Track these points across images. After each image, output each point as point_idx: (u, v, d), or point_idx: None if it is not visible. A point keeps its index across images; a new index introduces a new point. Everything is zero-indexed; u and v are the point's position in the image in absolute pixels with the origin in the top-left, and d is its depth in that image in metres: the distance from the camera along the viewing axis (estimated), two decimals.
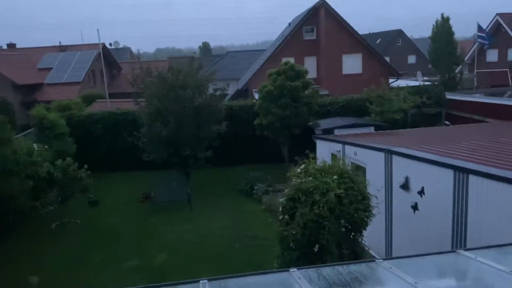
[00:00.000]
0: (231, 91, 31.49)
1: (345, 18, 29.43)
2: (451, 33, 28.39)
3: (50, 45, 37.58)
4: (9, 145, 13.70)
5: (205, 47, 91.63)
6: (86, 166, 14.92)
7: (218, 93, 18.73)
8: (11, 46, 40.22)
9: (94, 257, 12.77)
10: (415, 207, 9.59)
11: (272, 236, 12.73)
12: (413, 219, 9.74)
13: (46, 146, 16.48)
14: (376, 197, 8.28)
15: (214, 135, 17.84)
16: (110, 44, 48.21)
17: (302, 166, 8.30)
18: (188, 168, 18.18)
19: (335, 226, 7.63)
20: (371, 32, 64.30)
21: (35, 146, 15.65)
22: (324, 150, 14.69)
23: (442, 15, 28.48)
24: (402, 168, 10.10)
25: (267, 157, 20.75)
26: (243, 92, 31.00)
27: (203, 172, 19.27)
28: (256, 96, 25.01)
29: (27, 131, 19.26)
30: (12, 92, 29.55)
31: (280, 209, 8.29)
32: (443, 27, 28.15)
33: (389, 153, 10.58)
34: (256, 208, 16.24)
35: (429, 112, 21.24)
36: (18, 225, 14.68)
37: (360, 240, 8.39)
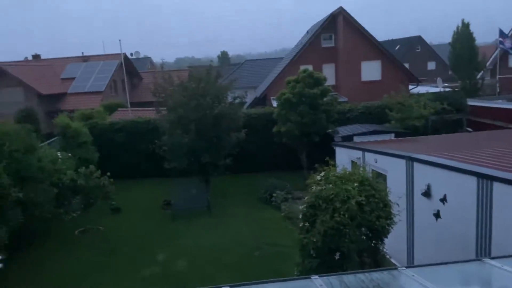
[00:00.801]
0: (249, 99, 31.73)
1: (363, 24, 29.38)
2: (472, 39, 28.02)
3: (73, 55, 38.51)
4: (34, 153, 14.08)
5: (223, 56, 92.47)
6: (108, 173, 15.18)
7: (237, 101, 18.88)
8: (36, 57, 41.39)
9: (115, 264, 12.94)
10: (437, 215, 9.46)
11: (291, 243, 12.74)
12: (435, 227, 9.60)
13: (69, 154, 16.83)
14: (397, 204, 8.23)
15: (233, 142, 17.98)
16: (131, 54, 49.16)
17: (322, 173, 8.31)
18: (208, 176, 18.34)
19: (356, 233, 7.60)
20: (390, 38, 63.86)
21: (59, 154, 16.02)
22: (343, 157, 14.63)
23: (462, 20, 28.15)
24: (423, 175, 9.98)
25: (286, 165, 20.76)
26: (261, 100, 31.13)
27: (222, 179, 19.38)
28: (274, 103, 25.10)
29: (51, 140, 19.72)
30: (37, 102, 30.38)
31: (300, 217, 8.31)
32: (463, 33, 27.82)
33: (410, 160, 10.48)
34: (275, 215, 16.24)
35: (450, 118, 20.96)
36: (42, 232, 14.99)
37: (381, 248, 8.32)
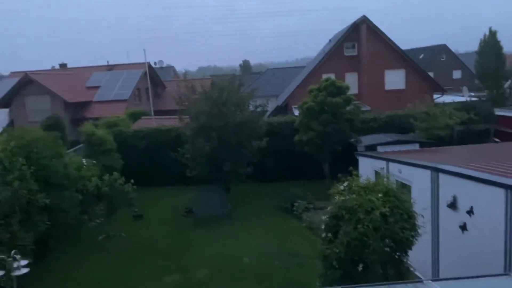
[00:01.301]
0: (270, 107, 31.73)
1: (386, 33, 29.15)
2: (499, 47, 27.43)
3: (98, 64, 39.40)
4: (60, 160, 14.40)
5: (245, 64, 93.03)
6: (132, 180, 15.38)
7: (258, 109, 18.94)
8: (63, 66, 42.51)
9: (138, 270, 13.05)
10: (463, 227, 9.22)
11: (312, 254, 12.61)
12: (461, 239, 9.36)
13: (94, 161, 17.16)
14: (422, 216, 8.06)
15: (255, 151, 18.00)
16: (155, 63, 49.91)
17: (346, 183, 8.22)
18: (229, 184, 18.39)
19: (379, 245, 7.47)
20: (414, 47, 63.07)
21: (84, 161, 16.36)
22: (367, 167, 14.45)
23: (489, 29, 27.61)
24: (449, 186, 9.77)
25: (308, 174, 20.62)
26: (283, 109, 31.13)
27: (243, 187, 19.39)
28: (296, 112, 25.06)
29: (77, 147, 20.14)
30: (63, 110, 31.10)
31: (322, 227, 8.22)
32: (490, 41, 27.26)
33: (436, 171, 10.28)
34: (296, 225, 16.12)
35: (477, 128, 20.49)
36: (67, 237, 15.24)
37: (405, 260, 8.15)
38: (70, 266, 13.51)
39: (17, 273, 9.11)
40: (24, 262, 9.27)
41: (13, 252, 9.18)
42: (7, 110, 32.87)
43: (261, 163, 18.72)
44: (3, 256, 9.23)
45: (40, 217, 12.59)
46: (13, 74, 37.59)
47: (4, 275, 9.14)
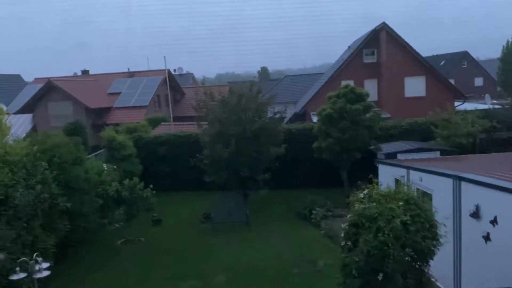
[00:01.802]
0: (288, 114, 31.70)
1: (406, 40, 28.92)
2: None
3: (119, 71, 40.05)
4: (82, 164, 14.65)
5: (263, 71, 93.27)
6: (151, 186, 15.52)
7: (277, 116, 18.93)
8: (85, 72, 43.34)
9: (156, 275, 13.13)
10: (487, 238, 9.01)
11: (331, 262, 12.49)
12: (484, 250, 9.14)
13: (114, 166, 17.40)
14: (444, 225, 7.91)
15: (273, 157, 17.97)
16: (174, 70, 50.48)
17: (365, 191, 8.13)
18: (247, 190, 18.38)
19: (400, 254, 7.35)
20: (435, 54, 62.34)
21: (104, 166, 16.60)
22: (387, 175, 14.27)
23: None
24: (472, 195, 9.57)
25: (326, 181, 20.48)
26: (301, 115, 31.08)
27: (261, 194, 19.34)
28: (314, 119, 24.96)
29: (98, 152, 20.46)
30: (85, 115, 31.68)
31: (342, 235, 8.13)
32: None
33: (458, 179, 10.08)
34: (315, 233, 16.00)
35: (500, 137, 20.06)
36: (87, 241, 15.44)
37: (426, 270, 8.00)
38: (90, 269, 13.67)
39: (39, 275, 9.26)
40: (45, 265, 9.43)
41: (35, 254, 9.35)
42: (30, 115, 33.62)
43: (279, 170, 18.68)
44: (25, 259, 9.41)
45: (61, 221, 12.81)
46: (37, 80, 38.52)
47: (26, 277, 9.32)
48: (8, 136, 16.96)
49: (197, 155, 18.39)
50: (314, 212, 17.03)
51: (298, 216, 17.75)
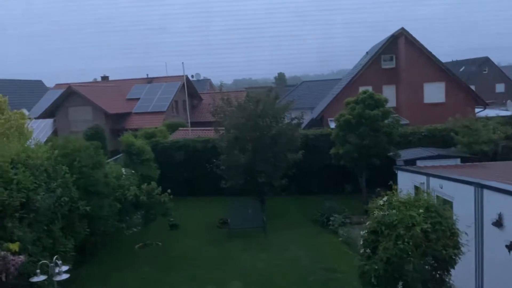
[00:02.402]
0: (305, 120, 31.62)
1: (426, 45, 28.58)
2: None
3: (138, 77, 40.60)
4: (101, 169, 14.83)
5: (280, 77, 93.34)
6: (169, 190, 15.62)
7: (294, 122, 18.89)
8: (105, 78, 44.07)
9: (173, 279, 13.16)
10: (510, 247, 8.79)
11: (348, 269, 12.35)
12: (508, 259, 8.91)
13: (132, 171, 17.57)
14: (466, 233, 7.75)
15: (290, 163, 17.92)
16: (192, 76, 50.86)
17: (385, 198, 8.03)
18: (264, 196, 18.35)
19: (420, 263, 7.23)
20: (454, 59, 61.48)
21: (123, 171, 16.77)
22: (406, 182, 14.07)
23: None
24: (494, 203, 9.35)
25: (343, 188, 20.32)
26: (318, 121, 30.93)
27: (278, 200, 19.31)
28: (332, 125, 24.81)
29: (117, 156, 20.71)
30: (104, 120, 32.17)
31: (361, 242, 8.05)
32: None
33: (480, 187, 9.88)
34: (332, 240, 15.85)
35: None
36: (105, 245, 15.60)
37: (447, 279, 7.85)
38: (108, 273, 13.78)
39: (59, 278, 9.39)
40: (65, 268, 9.56)
41: (55, 257, 9.49)
42: (51, 120, 34.30)
43: (296, 176, 18.60)
44: (46, 261, 9.55)
45: (80, 224, 12.97)
46: (57, 86, 39.29)
47: (46, 279, 9.45)
48: (30, 140, 17.32)
49: (214, 160, 18.47)
50: (331, 218, 16.88)
51: (315, 223, 17.62)
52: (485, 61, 58.19)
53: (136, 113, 34.70)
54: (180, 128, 28.85)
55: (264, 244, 15.76)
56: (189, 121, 31.12)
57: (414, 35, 28.47)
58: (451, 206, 11.00)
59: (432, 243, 7.18)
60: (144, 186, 15.58)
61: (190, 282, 12.98)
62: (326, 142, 20.15)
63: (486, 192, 9.72)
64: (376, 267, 7.32)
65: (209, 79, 60.26)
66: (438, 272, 7.68)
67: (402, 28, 28.68)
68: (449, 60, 55.70)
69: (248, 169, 17.44)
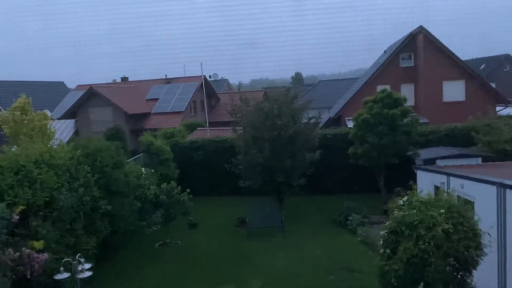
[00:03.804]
0: (323, 119, 31.52)
1: (445, 43, 28.20)
2: None
3: (157, 78, 41.07)
4: (122, 168, 15.09)
5: (297, 76, 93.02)
6: (188, 190, 15.78)
7: (312, 121, 18.85)
8: (124, 79, 44.67)
9: (193, 278, 13.31)
10: None
11: (368, 269, 12.29)
12: None
13: (152, 170, 17.81)
14: (488, 234, 7.65)
15: (308, 163, 17.89)
16: (210, 76, 51.15)
17: (405, 198, 7.98)
18: (282, 195, 18.37)
19: (442, 263, 7.17)
20: (474, 57, 60.31)
21: (143, 170, 17.02)
22: (426, 182, 13.92)
23: None
24: None
25: (362, 187, 20.19)
26: (336, 121, 30.78)
27: (296, 199, 19.29)
28: (350, 124, 24.66)
29: (136, 156, 21.01)
30: (124, 121, 32.64)
31: (380, 242, 8.01)
32: None
33: (502, 186, 9.71)
34: (351, 239, 15.78)
35: None
36: (126, 243, 15.84)
37: (469, 280, 7.76)
38: (129, 271, 14.02)
39: (81, 276, 9.60)
40: (87, 265, 9.77)
41: (78, 255, 9.71)
42: (73, 120, 34.97)
43: (314, 175, 18.56)
44: (69, 259, 9.78)
45: (102, 223, 13.23)
46: (79, 87, 40.02)
47: (69, 277, 9.68)
48: (53, 141, 17.70)
49: (232, 160, 18.57)
50: (350, 218, 16.79)
51: (333, 222, 17.56)
52: (506, 58, 56.90)
53: (155, 114, 35.13)
54: (198, 128, 29.08)
55: (282, 243, 15.79)
56: (207, 121, 31.34)
57: (433, 33, 28.14)
58: (473, 207, 10.85)
59: (454, 244, 7.12)
60: (164, 185, 15.77)
61: (210, 280, 13.09)
62: (344, 142, 20.04)
63: (508, 192, 9.56)
64: (396, 268, 7.28)
65: (227, 79, 60.49)
66: (460, 273, 7.60)
67: (421, 26, 28.34)
68: (469, 58, 54.69)
69: (266, 168, 17.47)
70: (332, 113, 33.54)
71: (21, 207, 10.00)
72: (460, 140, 19.47)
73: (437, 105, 27.29)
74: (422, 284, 7.17)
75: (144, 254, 15.48)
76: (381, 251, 7.83)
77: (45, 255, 9.95)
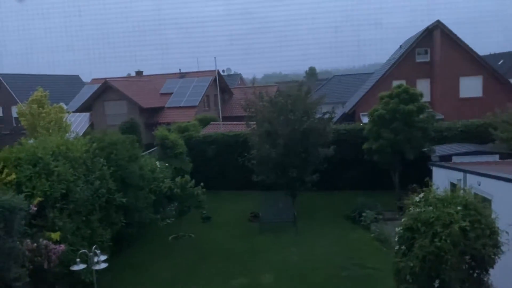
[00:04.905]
0: (336, 114, 31.33)
1: (463, 38, 27.72)
2: None
3: (171, 72, 41.26)
4: (136, 161, 15.21)
5: (311, 71, 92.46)
6: (202, 184, 15.86)
7: (326, 116, 18.73)
8: (139, 73, 44.96)
9: (206, 271, 13.40)
10: None
11: (381, 266, 12.24)
12: None
13: (166, 164, 17.92)
14: (506, 232, 7.53)
15: (321, 158, 17.80)
16: (223, 71, 51.19)
17: (421, 195, 7.90)
18: (294, 191, 18.33)
19: (458, 261, 7.09)
20: (492, 53, 59.23)
21: (157, 164, 17.14)
22: (442, 178, 13.75)
23: None
24: None
25: (375, 183, 20.03)
26: (350, 116, 30.55)
27: (308, 195, 19.24)
28: (364, 119, 24.46)
29: (151, 150, 21.16)
30: (139, 114, 32.90)
31: (395, 239, 7.95)
32: None
33: None
34: (364, 236, 15.70)
35: None
36: (140, 236, 16.01)
37: (486, 279, 7.67)
38: (142, 263, 14.17)
39: (97, 267, 9.74)
40: (103, 257, 9.90)
41: (94, 247, 9.84)
42: (88, 114, 35.37)
43: (327, 171, 18.48)
44: (85, 250, 9.92)
45: (117, 216, 13.38)
46: (94, 80, 40.45)
47: (85, 268, 9.82)
48: (69, 134, 17.93)
49: (246, 154, 18.58)
50: (363, 214, 16.70)
51: (346, 218, 17.49)
52: None
53: (169, 108, 35.33)
54: (212, 123, 29.16)
55: (295, 238, 15.78)
56: (220, 115, 31.41)
57: (451, 28, 27.68)
58: (490, 204, 10.69)
59: (471, 242, 7.03)
60: (178, 179, 15.87)
61: (222, 273, 13.17)
62: (358, 137, 19.91)
63: None
64: (412, 265, 7.22)
65: (240, 73, 60.47)
66: (476, 271, 7.50)
67: (438, 21, 27.91)
68: (487, 53, 53.73)
69: (279, 163, 17.43)
70: (346, 108, 33.30)
71: (38, 199, 10.15)
72: (477, 137, 19.17)
73: (453, 101, 26.92)
74: (437, 281, 7.09)
75: (158, 246, 15.63)
76: (396, 248, 7.78)
77: (62, 246, 10.10)
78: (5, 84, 40.74)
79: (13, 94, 40.04)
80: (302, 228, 16.59)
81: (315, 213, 18.52)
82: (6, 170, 10.27)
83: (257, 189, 19.19)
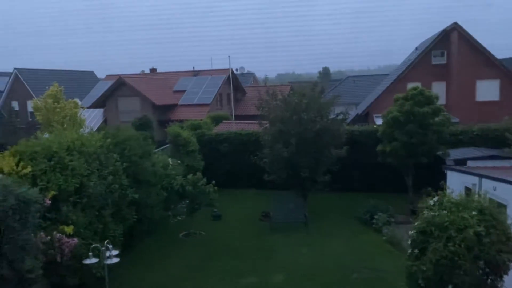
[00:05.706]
0: (350, 115, 31.15)
1: (481, 41, 27.36)
2: None
3: (185, 70, 41.44)
4: (149, 158, 15.31)
5: (324, 71, 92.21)
6: (213, 181, 15.89)
7: (339, 117, 18.62)
8: (153, 70, 45.24)
9: (215, 269, 13.42)
10: None
11: (393, 269, 12.13)
12: None
13: (178, 161, 18.00)
14: None
15: (334, 159, 17.71)
16: (236, 70, 51.25)
17: (435, 198, 7.81)
18: (306, 191, 18.27)
19: (472, 266, 7.00)
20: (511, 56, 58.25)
21: (170, 161, 17.22)
22: (456, 183, 13.57)
23: None
24: None
25: (388, 186, 19.86)
26: (363, 117, 30.37)
27: (320, 196, 19.16)
28: (378, 121, 24.25)
29: (163, 147, 21.28)
30: (152, 111, 33.09)
31: (409, 242, 7.87)
32: None
33: None
34: (376, 238, 15.57)
35: None
36: (151, 232, 16.09)
37: (499, 285, 7.55)
38: (153, 259, 14.25)
39: (109, 262, 9.82)
40: (115, 252, 9.98)
41: (106, 241, 9.92)
42: (102, 110, 35.69)
43: (339, 172, 18.38)
44: (97, 245, 10.01)
45: (129, 211, 13.47)
46: (108, 77, 40.81)
47: (96, 262, 9.91)
48: (83, 129, 18.11)
49: (258, 153, 18.56)
50: (375, 217, 16.55)
51: (358, 220, 17.37)
52: None
53: (182, 105, 35.50)
54: (224, 121, 29.20)
55: (305, 239, 15.72)
56: (233, 114, 31.44)
57: (468, 30, 27.36)
58: (505, 210, 10.52)
59: (485, 247, 6.93)
60: (190, 176, 15.93)
61: (232, 271, 13.17)
62: (372, 139, 19.75)
63: None
64: (425, 269, 7.15)
65: (253, 73, 60.45)
66: (490, 277, 7.40)
67: (455, 23, 27.63)
68: (506, 56, 52.81)
69: (291, 163, 17.38)
70: (360, 109, 33.13)
71: (52, 192, 10.28)
72: (493, 141, 18.89)
73: (469, 104, 26.61)
74: (450, 286, 7.02)
75: (168, 243, 15.70)
76: (409, 251, 7.70)
77: (75, 240, 10.22)
78: (21, 79, 41.31)
79: (29, 88, 40.58)
80: (313, 228, 16.54)
81: (327, 213, 18.44)
82: (22, 163, 10.43)
83: (268, 188, 19.17)
